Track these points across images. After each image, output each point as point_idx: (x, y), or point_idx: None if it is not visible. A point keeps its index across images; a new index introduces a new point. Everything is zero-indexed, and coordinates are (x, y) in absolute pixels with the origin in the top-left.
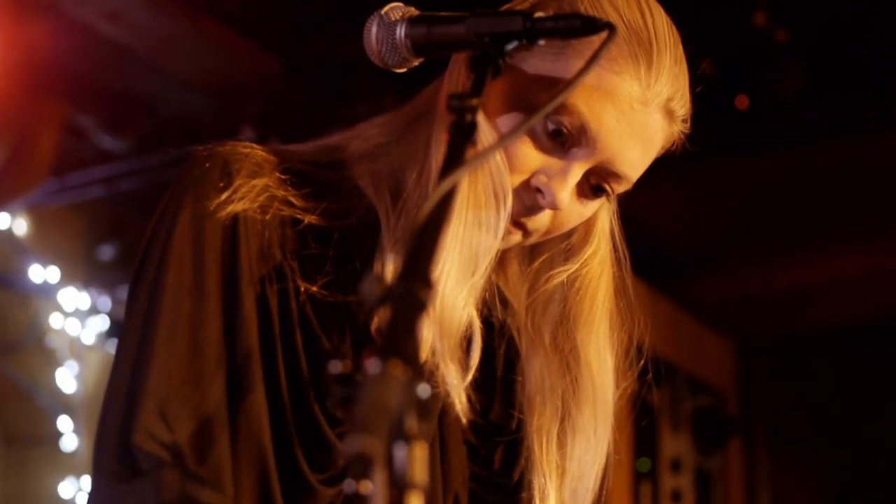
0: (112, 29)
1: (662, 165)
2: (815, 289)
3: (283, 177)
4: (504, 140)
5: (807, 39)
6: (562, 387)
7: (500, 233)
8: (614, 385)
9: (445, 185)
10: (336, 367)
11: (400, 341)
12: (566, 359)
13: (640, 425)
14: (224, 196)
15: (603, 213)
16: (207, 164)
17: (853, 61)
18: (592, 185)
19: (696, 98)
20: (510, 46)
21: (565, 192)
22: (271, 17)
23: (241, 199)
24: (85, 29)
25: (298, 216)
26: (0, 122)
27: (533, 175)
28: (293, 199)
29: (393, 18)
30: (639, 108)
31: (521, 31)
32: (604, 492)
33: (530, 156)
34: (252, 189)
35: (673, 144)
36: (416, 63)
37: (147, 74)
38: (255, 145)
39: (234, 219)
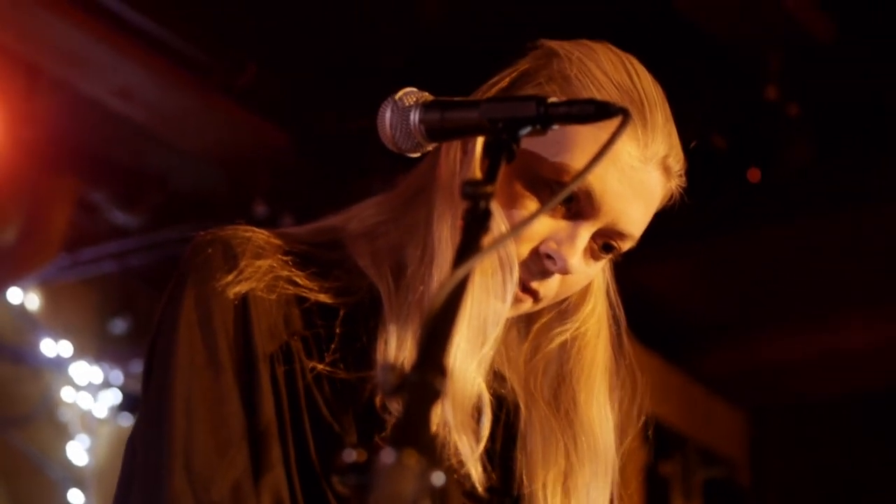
0: (124, 105)
1: (674, 239)
2: (827, 359)
3: (285, 258)
4: (518, 228)
5: (818, 112)
6: (564, 446)
7: (509, 300)
8: (616, 443)
9: (461, 272)
10: (350, 455)
11: (414, 430)
12: (568, 418)
13: (653, 496)
14: (231, 277)
15: (597, 272)
16: (210, 249)
17: (863, 132)
18: (598, 246)
19: (708, 172)
20: (524, 132)
21: (575, 256)
22: (282, 93)
23: (248, 278)
24: (97, 105)
25: (304, 294)
26: (13, 198)
27: (542, 242)
28: (298, 279)
29: (407, 104)
30: (639, 168)
31: (535, 116)
32: None
33: (538, 224)
34: (258, 270)
35: (671, 199)
36: (429, 148)
37: (159, 150)
38: (255, 228)
39: (244, 298)
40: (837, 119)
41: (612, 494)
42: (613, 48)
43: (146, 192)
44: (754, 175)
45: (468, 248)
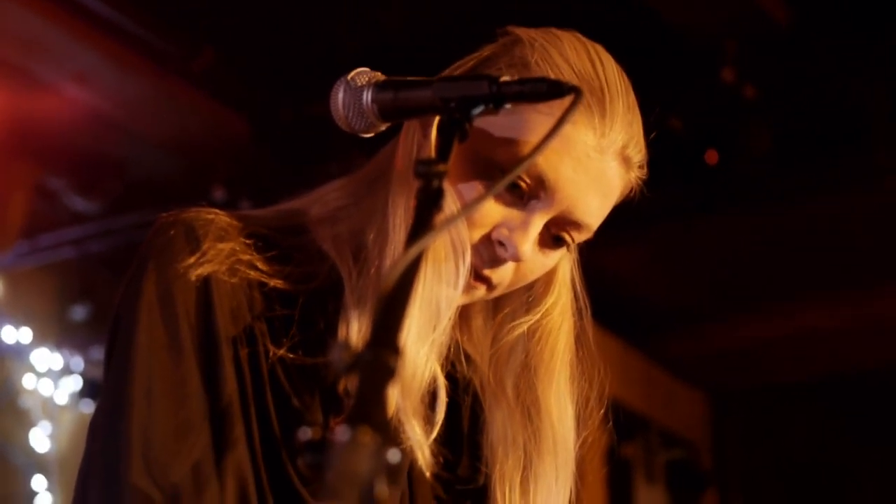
0: (82, 92)
1: (633, 223)
2: (785, 343)
3: (247, 241)
4: (470, 207)
5: (775, 96)
6: (524, 437)
7: (461, 286)
8: (575, 433)
9: (413, 251)
10: (306, 433)
11: (369, 408)
12: (528, 409)
13: (615, 478)
14: (193, 259)
15: (564, 262)
16: (173, 231)
17: (822, 117)
18: (553, 235)
19: (666, 156)
20: (477, 111)
21: (527, 244)
22: (240, 79)
23: (210, 261)
24: (54, 91)
25: (264, 279)
26: None
27: (494, 228)
28: (259, 263)
29: (359, 84)
30: (595, 157)
31: (487, 95)
32: None
33: (490, 210)
34: (220, 252)
35: (632, 191)
36: (383, 128)
37: (117, 136)
38: (218, 211)
39: (206, 280)
40: (796, 103)
41: (571, 488)
42: (580, 37)
43: (104, 177)
44: (712, 157)
45: (421, 226)
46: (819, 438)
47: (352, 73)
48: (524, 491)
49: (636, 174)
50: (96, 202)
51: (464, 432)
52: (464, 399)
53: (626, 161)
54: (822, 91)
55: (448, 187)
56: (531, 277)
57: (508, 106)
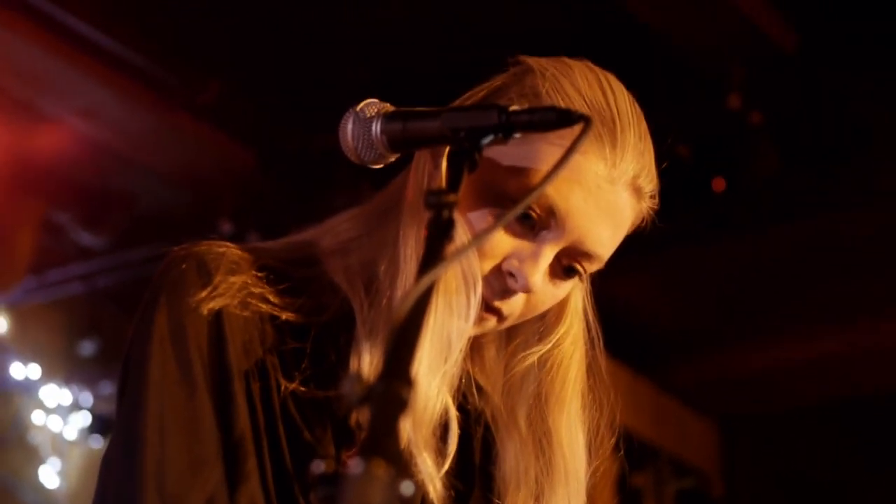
0: (88, 126)
1: (641, 250)
2: (795, 369)
3: (259, 274)
4: (481, 237)
5: (781, 120)
6: (536, 468)
7: (472, 318)
8: (587, 463)
9: (424, 282)
10: (319, 466)
11: (382, 440)
12: (540, 439)
13: None
14: (205, 293)
15: (576, 292)
16: (184, 265)
17: (827, 140)
18: (564, 266)
19: (673, 182)
20: (486, 141)
21: (537, 275)
22: (246, 111)
23: (222, 295)
24: (61, 126)
25: (276, 312)
26: None
27: (504, 259)
28: (270, 296)
29: (368, 115)
30: (606, 188)
31: (496, 125)
32: None
33: (501, 241)
34: (231, 286)
35: (643, 221)
36: (392, 159)
37: (123, 170)
38: (229, 244)
39: (218, 314)
40: (801, 127)
41: None
42: (592, 66)
43: (112, 212)
44: (719, 184)
45: (432, 257)
46: (831, 464)
47: (361, 105)
48: None
49: (647, 204)
50: (103, 236)
51: (475, 464)
52: (475, 431)
53: (637, 191)
54: (827, 113)
55: (458, 218)
56: (542, 308)
57: (518, 135)
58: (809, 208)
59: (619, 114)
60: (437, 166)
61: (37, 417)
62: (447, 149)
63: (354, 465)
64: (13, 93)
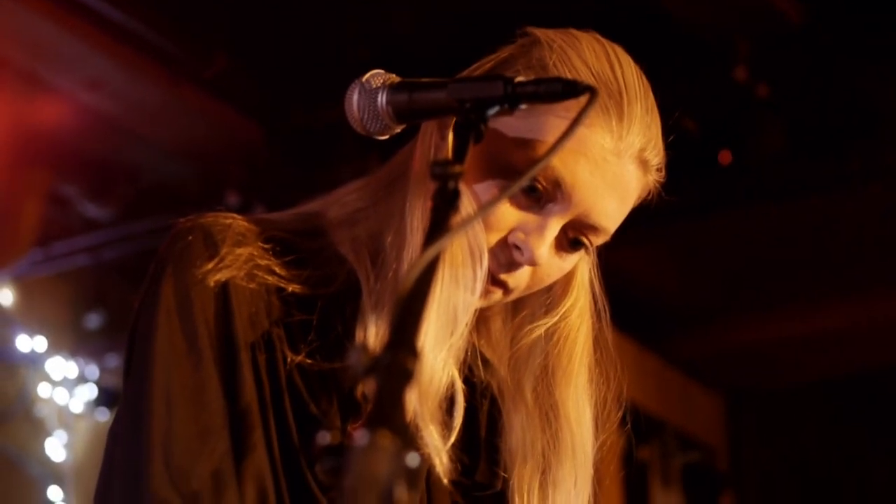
0: (94, 98)
1: (647, 222)
2: (802, 342)
3: (265, 245)
4: (486, 208)
5: (788, 93)
6: (542, 441)
7: (478, 291)
8: (594, 437)
9: (430, 252)
10: (325, 437)
11: (387, 411)
12: (546, 413)
13: (632, 482)
14: (211, 265)
15: (582, 265)
16: (191, 237)
17: (835, 114)
18: (570, 239)
19: (680, 155)
20: (492, 112)
21: (543, 247)
22: (253, 84)
23: (228, 266)
24: (67, 98)
25: (282, 284)
26: None
27: (510, 232)
28: (276, 268)
29: (374, 86)
30: (612, 160)
31: (502, 96)
32: None
33: (506, 213)
34: (238, 258)
35: (649, 194)
36: (398, 130)
37: (130, 142)
38: (236, 215)
39: (224, 286)
40: (807, 100)
41: (589, 493)
42: (599, 38)
43: (118, 184)
44: (725, 157)
45: (437, 228)
46: (836, 439)
47: (366, 76)
48: (543, 496)
49: (654, 177)
50: (110, 209)
51: (481, 437)
52: (481, 403)
53: (643, 164)
54: (834, 88)
55: (464, 189)
56: (548, 281)
57: (524, 106)
58: (816, 183)
59: (626, 86)
60: (443, 137)
61: (43, 390)
62: (454, 120)
63: (360, 436)
64: (18, 64)
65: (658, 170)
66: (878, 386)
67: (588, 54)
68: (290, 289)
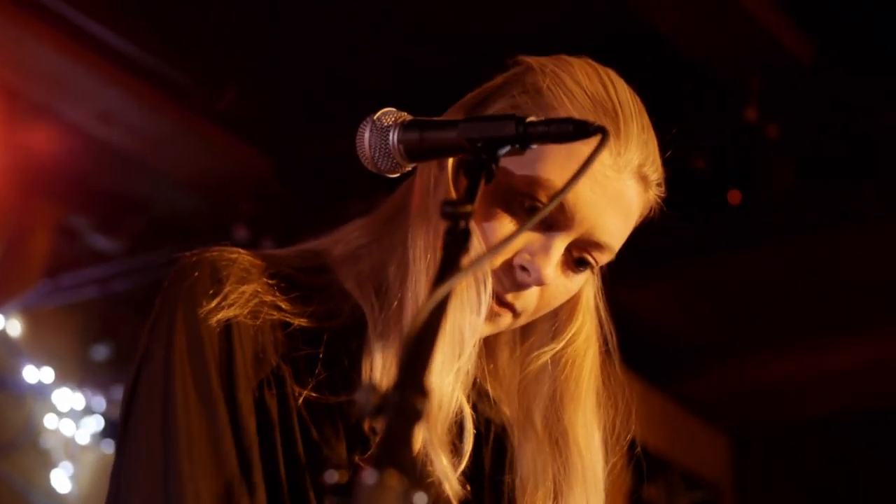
0: (105, 130)
1: (655, 261)
2: (809, 381)
3: (270, 282)
4: (498, 247)
5: (797, 132)
6: (553, 468)
7: (483, 312)
8: (603, 461)
9: (440, 292)
10: (332, 476)
11: (396, 450)
12: (556, 439)
13: None
14: (214, 303)
15: (588, 289)
16: (196, 273)
17: (844, 153)
18: (576, 259)
19: (690, 194)
20: (503, 151)
21: (550, 267)
22: (263, 118)
23: (232, 305)
24: (78, 130)
25: (288, 319)
26: None
27: (516, 254)
28: (282, 304)
29: (385, 123)
30: (612, 176)
31: (513, 136)
32: None
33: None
34: (242, 295)
35: (651, 210)
36: (408, 168)
37: (140, 175)
38: (241, 250)
39: (227, 325)
40: (817, 140)
41: None
42: (591, 62)
43: (127, 216)
44: (735, 197)
45: (448, 267)
46: (844, 478)
47: (378, 113)
48: None
49: (655, 192)
50: (119, 241)
51: (486, 472)
52: (487, 439)
53: (643, 179)
54: (844, 127)
55: (472, 224)
56: (555, 303)
57: (535, 147)
58: (825, 221)
59: (620, 105)
60: (442, 168)
61: (49, 421)
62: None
63: (368, 475)
64: (30, 96)
65: (658, 184)
66: (885, 424)
67: (581, 76)
68: (295, 323)
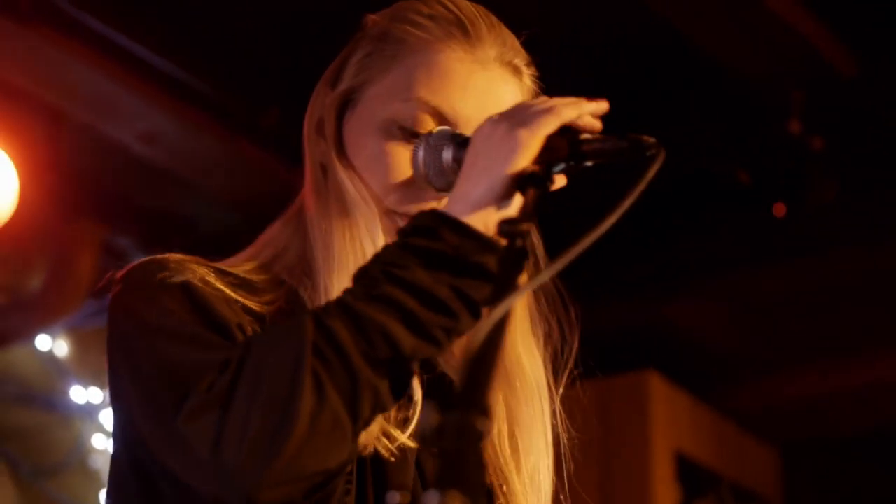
0: (148, 150)
1: (701, 275)
2: (858, 393)
3: (216, 274)
4: (552, 269)
5: (842, 145)
6: (503, 391)
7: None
8: (549, 372)
9: (499, 311)
10: (395, 497)
11: (458, 472)
12: (507, 372)
13: None
14: (168, 272)
15: None
16: (145, 263)
17: (889, 165)
18: None
19: (734, 208)
20: (557, 168)
21: None
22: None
23: (186, 272)
24: (121, 150)
25: (233, 297)
26: (39, 245)
27: None
28: (227, 290)
29: (439, 141)
30: (477, 70)
31: (568, 154)
32: (564, 474)
33: (404, 164)
34: (194, 274)
35: (534, 93)
36: None
37: (184, 194)
38: (186, 255)
39: (186, 282)
40: (861, 153)
41: (554, 426)
42: None
43: (172, 236)
44: (780, 210)
45: (505, 286)
46: (894, 491)
47: (432, 131)
48: (513, 440)
49: (529, 75)
50: None
51: None
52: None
53: (510, 66)
54: (888, 139)
55: (344, 174)
56: None
57: (589, 163)
58: (870, 234)
59: (462, 12)
60: (320, 133)
61: (97, 441)
62: (335, 106)
63: (430, 496)
64: (74, 117)
65: (528, 66)
66: None
67: (420, 6)
68: (242, 301)
